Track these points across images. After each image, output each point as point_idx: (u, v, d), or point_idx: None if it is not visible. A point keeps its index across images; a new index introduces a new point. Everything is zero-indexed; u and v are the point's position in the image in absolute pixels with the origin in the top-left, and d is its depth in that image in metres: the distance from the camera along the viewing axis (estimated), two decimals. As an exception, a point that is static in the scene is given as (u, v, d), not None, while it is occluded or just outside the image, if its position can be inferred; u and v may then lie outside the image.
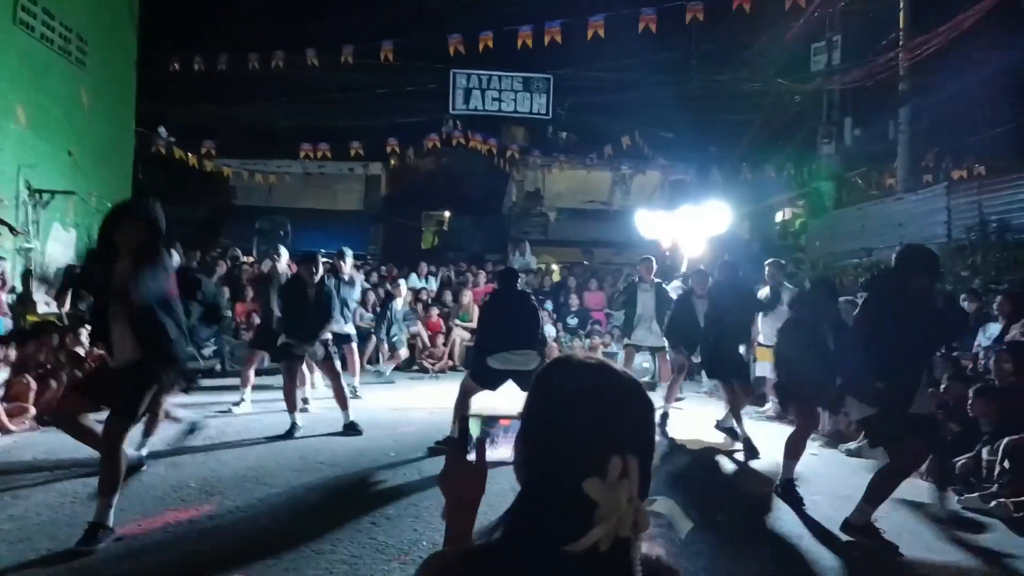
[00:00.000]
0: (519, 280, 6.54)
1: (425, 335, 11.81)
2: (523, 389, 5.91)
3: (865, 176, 16.23)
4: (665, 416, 7.14)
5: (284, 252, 8.14)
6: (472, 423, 1.19)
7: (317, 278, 6.65)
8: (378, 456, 5.78)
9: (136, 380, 3.85)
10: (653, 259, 8.77)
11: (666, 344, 7.77)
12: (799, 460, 5.13)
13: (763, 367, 8.04)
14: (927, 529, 4.50)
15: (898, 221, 11.39)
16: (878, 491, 4.17)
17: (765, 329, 7.94)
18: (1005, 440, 4.77)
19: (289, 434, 6.31)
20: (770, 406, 8.05)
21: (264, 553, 3.64)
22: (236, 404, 7.25)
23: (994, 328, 7.23)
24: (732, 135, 17.50)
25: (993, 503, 4.66)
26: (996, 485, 4.69)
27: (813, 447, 6.80)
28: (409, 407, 8.07)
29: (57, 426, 4.16)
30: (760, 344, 8.18)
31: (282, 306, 6.84)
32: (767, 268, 8.05)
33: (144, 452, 5.15)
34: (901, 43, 13.14)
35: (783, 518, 4.63)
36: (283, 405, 6.83)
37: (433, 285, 13.40)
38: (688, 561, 3.75)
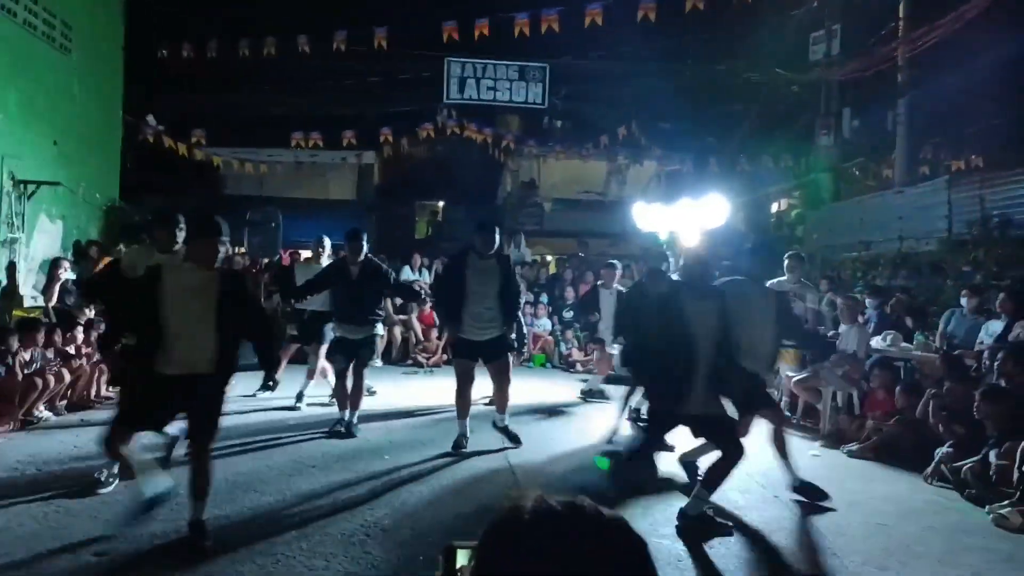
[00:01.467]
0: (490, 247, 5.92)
1: (419, 329, 11.66)
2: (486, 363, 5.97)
3: (863, 167, 16.12)
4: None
5: (327, 242, 8.05)
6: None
7: (362, 257, 6.38)
8: (372, 458, 5.64)
9: (216, 393, 3.86)
10: (618, 264, 8.77)
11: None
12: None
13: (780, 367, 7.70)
14: (939, 541, 4.39)
15: (898, 215, 11.29)
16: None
17: None
18: (1023, 445, 4.65)
19: (348, 433, 6.20)
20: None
21: (254, 570, 3.51)
22: (298, 401, 7.19)
23: (996, 326, 7.13)
24: (729, 126, 17.35)
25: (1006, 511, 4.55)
26: (1018, 493, 4.56)
27: (814, 447, 6.71)
28: (403, 405, 7.93)
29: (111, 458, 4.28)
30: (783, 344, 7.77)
31: (333, 294, 6.52)
32: (786, 262, 7.49)
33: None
34: (901, 34, 13.00)
35: (789, 529, 4.52)
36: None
37: (427, 277, 13.23)
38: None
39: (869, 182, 15.96)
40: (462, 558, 1.03)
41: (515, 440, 6.03)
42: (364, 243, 6.38)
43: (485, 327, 5.81)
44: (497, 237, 5.95)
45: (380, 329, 6.93)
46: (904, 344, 7.43)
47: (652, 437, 5.06)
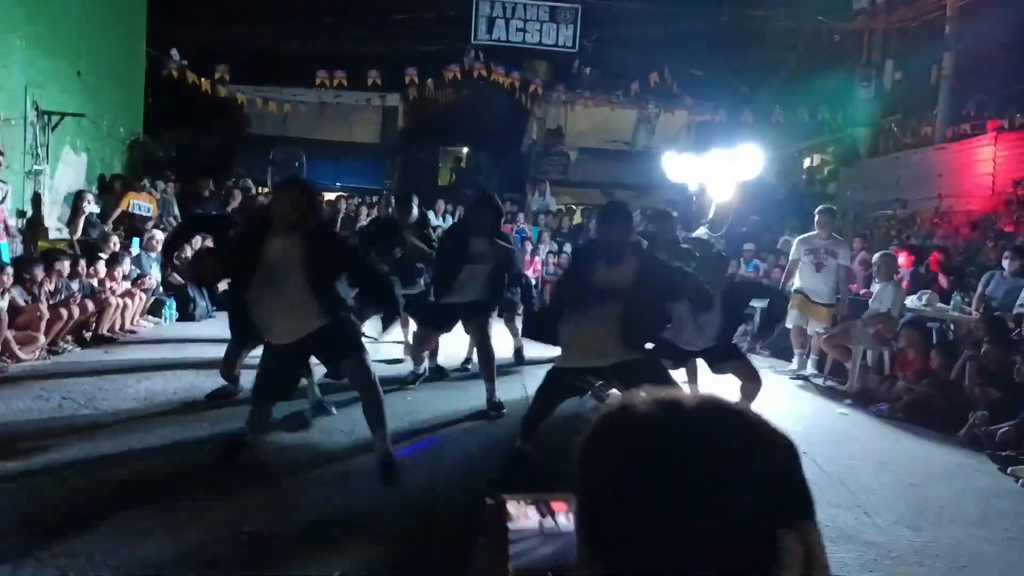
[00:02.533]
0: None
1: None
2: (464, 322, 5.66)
3: (902, 123, 15.57)
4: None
5: (415, 199, 6.50)
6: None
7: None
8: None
9: (342, 332, 4.00)
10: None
11: None
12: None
13: (809, 324, 7.41)
14: (972, 503, 4.28)
15: (938, 172, 10.91)
16: None
17: (818, 286, 7.31)
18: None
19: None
20: (795, 363, 7.76)
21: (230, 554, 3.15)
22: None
23: (1038, 288, 6.90)
24: (765, 75, 16.77)
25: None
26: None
27: (841, 406, 6.59)
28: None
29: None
30: (814, 301, 7.33)
31: (442, 261, 5.75)
32: (817, 217, 7.51)
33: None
34: (952, -19, 12.39)
35: (819, 486, 4.42)
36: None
37: (450, 223, 13.08)
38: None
39: (907, 139, 15.44)
40: (513, 509, 0.91)
41: (497, 409, 5.37)
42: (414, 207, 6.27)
43: (469, 292, 5.41)
44: (490, 213, 5.50)
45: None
46: (940, 304, 7.22)
47: None
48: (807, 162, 18.39)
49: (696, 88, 16.62)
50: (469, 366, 6.71)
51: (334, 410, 5.05)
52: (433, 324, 5.83)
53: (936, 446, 5.41)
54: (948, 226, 9.85)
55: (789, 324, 7.68)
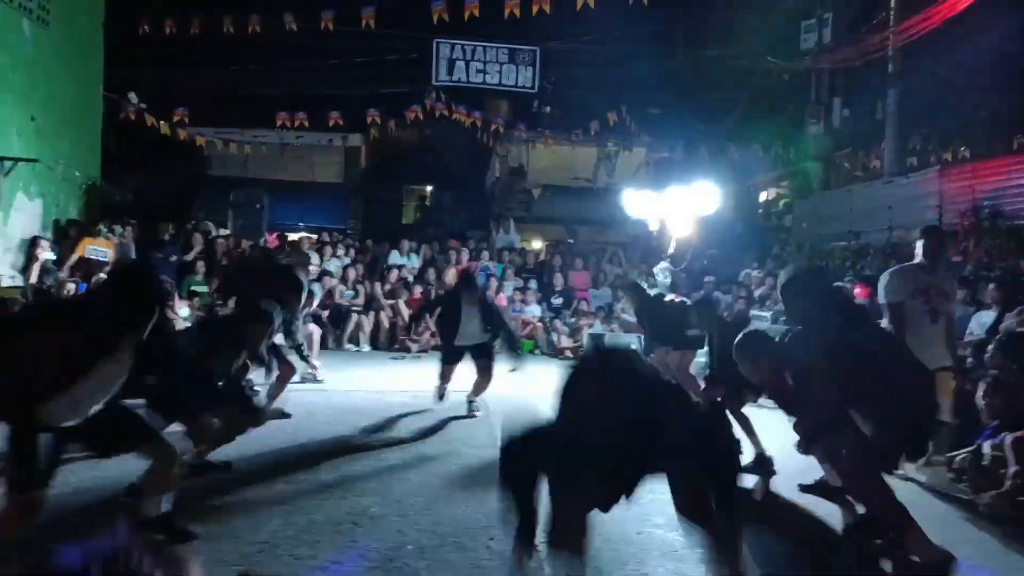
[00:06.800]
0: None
1: (407, 314, 11.53)
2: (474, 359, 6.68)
3: (851, 157, 16.12)
4: None
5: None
6: None
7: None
8: (358, 445, 5.54)
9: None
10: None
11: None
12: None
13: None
14: (932, 529, 4.35)
15: (887, 204, 11.27)
16: None
17: (936, 343, 5.06)
18: (1010, 438, 4.63)
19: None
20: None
21: (237, 558, 3.40)
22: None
23: (987, 316, 7.12)
24: (719, 113, 17.27)
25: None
26: (1009, 484, 4.55)
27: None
28: (390, 389, 7.82)
29: None
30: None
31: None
32: (923, 240, 5.22)
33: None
34: (892, 23, 12.97)
35: (782, 517, 4.47)
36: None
37: (416, 262, 13.09)
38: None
39: (857, 172, 15.97)
40: None
41: (472, 413, 6.63)
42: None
43: (473, 338, 6.72)
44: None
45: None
46: (894, 333, 7.39)
47: None
48: (763, 196, 18.88)
49: (654, 126, 17.05)
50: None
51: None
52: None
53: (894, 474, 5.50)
54: (900, 257, 10.14)
55: None
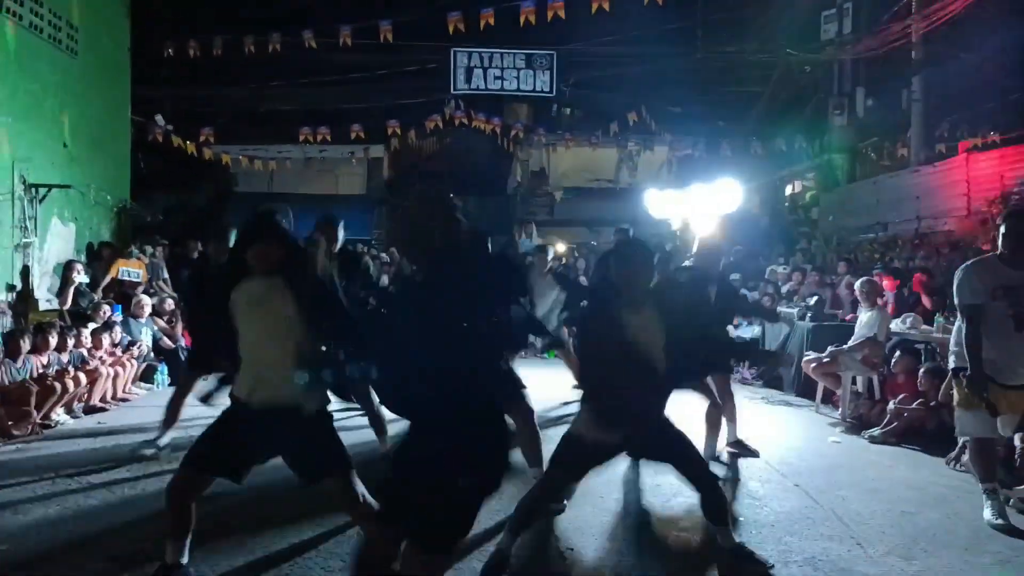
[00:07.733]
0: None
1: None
2: None
3: (877, 147, 15.88)
4: None
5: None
6: None
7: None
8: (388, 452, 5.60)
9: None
10: (551, 249, 8.83)
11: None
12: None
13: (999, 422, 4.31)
14: (964, 527, 4.30)
15: (915, 194, 11.11)
16: None
17: (1016, 354, 4.09)
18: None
19: None
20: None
21: (273, 573, 3.47)
22: None
23: None
24: (741, 108, 17.14)
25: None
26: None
27: (835, 433, 6.63)
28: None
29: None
30: (1007, 385, 4.13)
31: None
32: (1006, 225, 4.17)
33: None
34: (914, 10, 12.76)
35: (812, 519, 4.44)
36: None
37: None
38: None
39: (884, 162, 15.73)
40: None
41: None
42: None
43: None
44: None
45: None
46: (924, 326, 7.30)
47: None
48: (788, 189, 18.68)
49: (674, 124, 16.98)
50: None
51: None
52: None
53: (928, 470, 5.44)
54: (929, 247, 9.99)
55: (973, 433, 4.36)
